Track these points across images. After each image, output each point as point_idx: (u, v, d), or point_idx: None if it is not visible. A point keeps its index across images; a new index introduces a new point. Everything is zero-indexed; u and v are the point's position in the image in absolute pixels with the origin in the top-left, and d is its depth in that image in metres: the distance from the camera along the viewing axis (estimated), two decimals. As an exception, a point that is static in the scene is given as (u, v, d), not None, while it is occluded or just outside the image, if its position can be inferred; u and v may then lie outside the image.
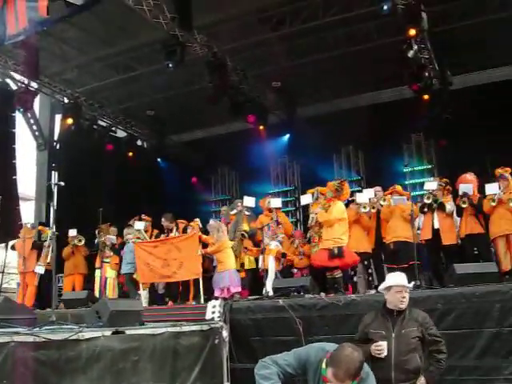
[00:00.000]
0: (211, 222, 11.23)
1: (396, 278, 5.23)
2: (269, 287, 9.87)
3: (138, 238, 11.96)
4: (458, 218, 10.21)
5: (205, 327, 7.90)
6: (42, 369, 5.47)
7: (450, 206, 9.99)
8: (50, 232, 12.96)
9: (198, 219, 11.72)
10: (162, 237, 12.05)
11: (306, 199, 11.41)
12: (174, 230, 11.92)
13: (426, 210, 10.13)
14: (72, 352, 5.80)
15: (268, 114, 16.22)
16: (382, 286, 5.31)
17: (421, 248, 10.12)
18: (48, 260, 12.51)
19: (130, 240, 11.94)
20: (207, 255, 11.11)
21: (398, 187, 10.82)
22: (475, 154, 13.03)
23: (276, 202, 11.66)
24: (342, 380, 3.83)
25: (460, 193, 9.95)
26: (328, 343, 4.38)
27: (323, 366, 4.06)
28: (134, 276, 11.72)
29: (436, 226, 9.95)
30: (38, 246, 12.78)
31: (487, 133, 13.36)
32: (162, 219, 12.12)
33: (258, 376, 4.25)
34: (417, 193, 14.61)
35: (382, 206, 10.55)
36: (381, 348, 4.92)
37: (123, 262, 12.04)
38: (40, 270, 12.42)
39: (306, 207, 11.97)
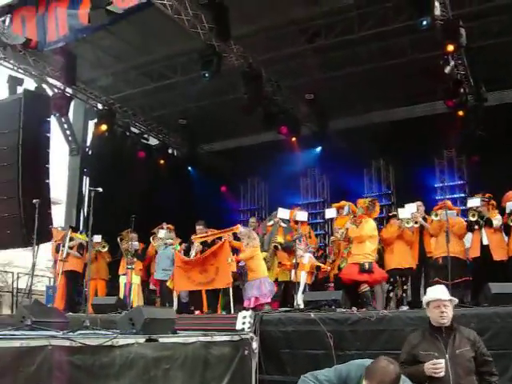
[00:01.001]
0: (241, 229, 11.19)
1: (432, 293, 5.03)
2: (299, 300, 9.84)
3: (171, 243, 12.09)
4: (507, 237, 9.96)
5: (235, 338, 7.85)
6: (76, 373, 5.46)
7: (496, 221, 9.80)
8: (80, 236, 13.21)
9: (239, 225, 11.78)
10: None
11: (330, 213, 11.42)
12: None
13: (476, 227, 9.97)
14: (106, 358, 5.79)
15: (300, 125, 16.26)
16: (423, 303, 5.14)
17: (469, 265, 10.00)
18: (63, 256, 12.76)
19: (166, 245, 11.98)
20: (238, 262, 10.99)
21: (448, 202, 10.66)
22: (508, 171, 12.89)
23: (301, 216, 11.53)
24: None
25: (507, 210, 9.79)
26: (369, 359, 4.31)
27: (363, 382, 4.02)
28: (168, 283, 11.75)
29: (485, 242, 9.79)
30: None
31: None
32: (198, 227, 12.15)
33: None
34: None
35: (432, 220, 10.36)
36: (440, 366, 4.63)
37: (157, 267, 12.05)
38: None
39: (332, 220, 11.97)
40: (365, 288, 9.66)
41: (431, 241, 10.63)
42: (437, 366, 4.64)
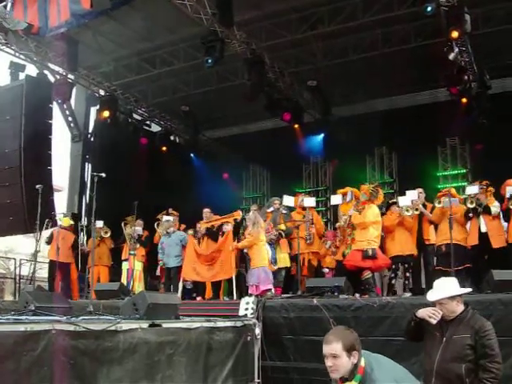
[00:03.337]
0: (250, 213, 11.14)
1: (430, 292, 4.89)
2: None
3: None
4: (506, 224, 9.87)
5: (238, 324, 7.89)
6: (80, 358, 5.48)
7: (495, 207, 9.73)
8: (64, 220, 13.19)
9: (239, 211, 11.80)
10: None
11: (336, 199, 11.37)
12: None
13: (470, 215, 9.90)
14: (109, 343, 5.81)
15: (303, 112, 16.24)
16: None
17: (469, 253, 9.90)
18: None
19: (169, 234, 11.96)
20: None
21: (453, 190, 10.62)
22: (511, 160, 12.84)
23: (310, 201, 11.63)
24: (327, 340, 3.70)
25: (507, 195, 9.67)
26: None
27: None
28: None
29: (483, 229, 9.70)
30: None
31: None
32: (205, 209, 12.19)
33: None
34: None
35: (437, 207, 10.31)
36: (437, 314, 4.62)
37: (167, 255, 11.96)
38: None
39: (336, 207, 11.95)
40: (367, 275, 9.65)
41: (430, 228, 10.62)
42: (435, 312, 4.64)
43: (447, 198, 9.80)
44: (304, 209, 11.65)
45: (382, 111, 16.45)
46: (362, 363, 3.71)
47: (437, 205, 10.13)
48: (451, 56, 11.92)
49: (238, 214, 11.62)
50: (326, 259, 11.53)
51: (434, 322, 4.64)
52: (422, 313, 4.71)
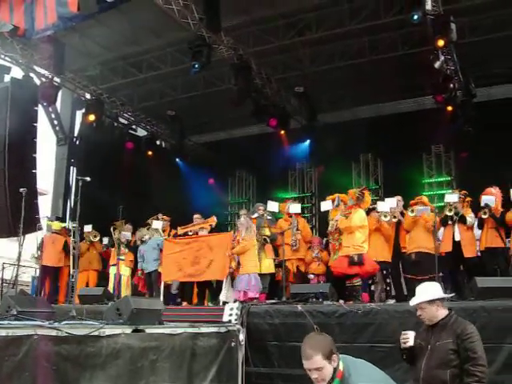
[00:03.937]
0: (242, 219, 11.10)
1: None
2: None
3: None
4: (480, 231, 10.00)
5: (222, 329, 7.87)
6: (62, 363, 5.45)
7: (470, 218, 9.80)
8: (54, 225, 13.12)
9: (214, 217, 11.75)
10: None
11: (325, 205, 11.31)
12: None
13: (448, 222, 9.95)
14: (92, 348, 5.78)
15: (290, 118, 16.26)
16: None
17: (442, 260, 9.98)
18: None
19: (147, 240, 11.91)
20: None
21: (424, 198, 10.70)
22: (495, 168, 12.94)
23: (295, 208, 11.60)
24: (307, 356, 3.67)
25: (482, 204, 9.74)
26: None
27: None
28: (159, 270, 11.65)
29: (457, 238, 9.77)
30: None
31: (509, 147, 13.22)
32: (196, 215, 12.12)
33: None
34: (435, 204, 14.56)
35: (409, 215, 10.35)
36: (406, 337, 4.76)
37: (146, 261, 11.90)
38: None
39: (324, 214, 11.92)
40: (356, 282, 9.65)
41: (407, 236, 10.55)
42: (404, 336, 4.79)
43: (420, 206, 9.91)
44: (291, 215, 11.64)
45: (368, 118, 16.54)
46: (341, 367, 3.71)
47: (410, 213, 10.16)
48: (437, 64, 12.04)
49: (213, 220, 11.66)
50: (312, 265, 11.52)
51: (410, 343, 4.74)
52: (403, 345, 4.81)
